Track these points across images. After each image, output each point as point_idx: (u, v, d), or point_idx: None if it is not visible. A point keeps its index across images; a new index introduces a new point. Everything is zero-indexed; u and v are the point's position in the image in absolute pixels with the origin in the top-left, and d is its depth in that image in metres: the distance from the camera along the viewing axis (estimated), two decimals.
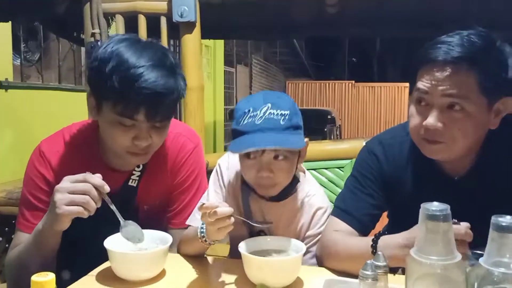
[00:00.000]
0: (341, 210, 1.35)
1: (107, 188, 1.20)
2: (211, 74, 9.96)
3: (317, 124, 7.67)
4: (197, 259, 1.36)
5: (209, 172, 1.54)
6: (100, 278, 1.22)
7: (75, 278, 1.23)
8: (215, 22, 2.80)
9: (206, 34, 2.76)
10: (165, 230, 1.37)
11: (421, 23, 2.92)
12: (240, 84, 11.85)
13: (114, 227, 1.25)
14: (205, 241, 1.22)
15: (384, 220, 1.50)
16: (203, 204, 1.10)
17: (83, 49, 4.74)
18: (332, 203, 1.42)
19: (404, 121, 1.42)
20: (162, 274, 1.25)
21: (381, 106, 12.20)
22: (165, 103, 1.25)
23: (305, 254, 1.33)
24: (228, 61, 11.12)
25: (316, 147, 2.45)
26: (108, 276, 1.22)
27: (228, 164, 1.46)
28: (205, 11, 2.54)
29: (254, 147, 1.23)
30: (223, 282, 1.22)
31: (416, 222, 0.85)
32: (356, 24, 3.22)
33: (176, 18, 2.47)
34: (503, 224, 0.75)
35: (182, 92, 1.31)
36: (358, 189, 1.36)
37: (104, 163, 1.41)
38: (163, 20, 2.57)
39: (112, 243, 1.23)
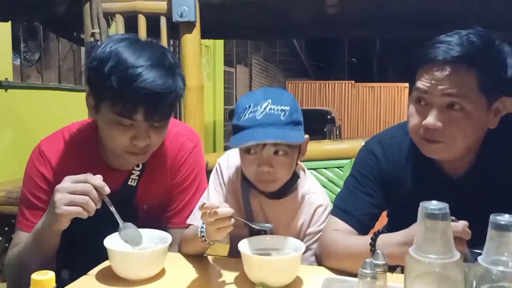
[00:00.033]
0: (340, 209, 1.35)
1: (107, 190, 1.19)
2: (210, 74, 9.96)
3: (317, 124, 7.66)
4: (196, 258, 1.36)
5: (208, 172, 1.54)
6: (99, 277, 1.22)
7: (74, 277, 1.23)
8: (215, 22, 2.81)
9: (206, 34, 2.77)
10: (164, 229, 1.37)
11: (421, 23, 2.92)
12: (240, 84, 11.85)
13: (114, 227, 1.25)
14: (205, 240, 1.22)
15: (384, 220, 1.50)
16: (204, 203, 1.11)
17: (83, 49, 4.75)
18: (332, 203, 1.42)
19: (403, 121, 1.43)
20: (161, 273, 1.25)
21: (380, 106, 12.20)
22: (163, 103, 1.25)
23: (305, 251, 1.34)
24: (228, 61, 11.12)
25: (315, 147, 2.46)
26: (107, 275, 1.22)
27: (228, 163, 1.47)
28: (204, 11, 2.54)
29: (254, 141, 1.24)
30: (223, 281, 1.22)
31: (415, 222, 0.85)
32: (356, 24, 3.22)
33: (176, 18, 2.48)
34: (502, 222, 0.75)
35: (181, 92, 1.31)
36: (357, 188, 1.36)
37: (104, 162, 1.41)
38: (163, 20, 2.57)
39: (111, 242, 1.23)
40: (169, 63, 1.28)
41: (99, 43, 2.46)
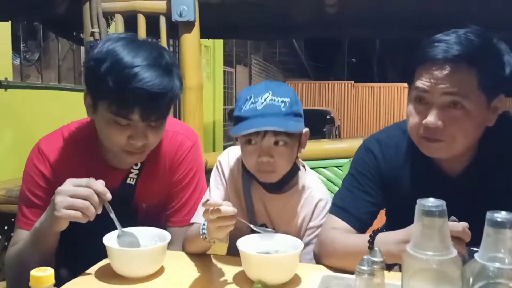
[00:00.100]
0: (338, 208, 1.36)
1: (109, 196, 1.19)
2: (210, 74, 9.96)
3: (316, 124, 7.66)
4: (195, 256, 1.36)
5: (208, 171, 1.54)
6: (98, 275, 1.23)
7: (74, 275, 1.23)
8: (214, 22, 2.81)
9: (205, 33, 2.77)
10: (163, 228, 1.37)
11: (421, 24, 2.92)
12: (239, 84, 11.85)
13: (113, 225, 1.26)
14: (205, 238, 1.22)
15: (383, 218, 1.50)
16: (207, 200, 1.11)
17: (82, 48, 4.76)
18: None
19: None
20: (160, 271, 1.25)
21: (380, 106, 12.21)
22: (160, 103, 1.25)
23: (307, 246, 1.37)
24: (227, 61, 11.12)
25: (315, 146, 2.46)
26: (106, 273, 1.23)
27: (228, 160, 1.48)
28: (204, 11, 2.55)
29: (254, 129, 1.26)
30: (221, 279, 1.22)
31: (413, 220, 0.85)
32: (356, 24, 3.22)
33: (175, 17, 2.48)
34: (498, 219, 0.76)
35: (178, 92, 1.30)
36: (355, 187, 1.37)
37: (103, 161, 1.42)
38: (162, 20, 2.58)
39: (110, 240, 1.23)
40: (166, 63, 1.28)
41: (98, 42, 2.46)
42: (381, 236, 1.20)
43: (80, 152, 1.41)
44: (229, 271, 1.25)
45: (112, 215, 1.24)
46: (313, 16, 2.91)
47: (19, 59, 5.29)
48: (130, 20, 2.59)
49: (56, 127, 1.48)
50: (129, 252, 1.22)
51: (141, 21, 2.58)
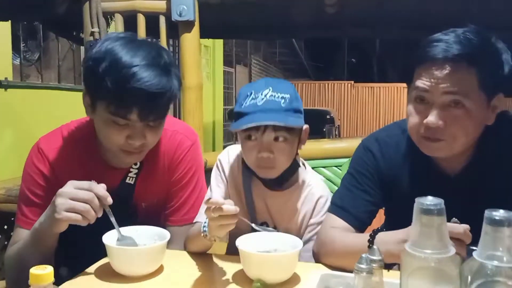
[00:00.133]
0: (337, 207, 1.36)
1: (110, 200, 1.19)
2: (210, 74, 9.97)
3: (316, 124, 7.67)
4: (194, 255, 1.37)
5: (207, 171, 1.55)
6: (98, 273, 1.23)
7: (73, 274, 1.23)
8: (214, 22, 2.81)
9: (205, 33, 2.77)
10: (163, 227, 1.37)
11: (421, 24, 2.92)
12: (239, 85, 11.86)
13: (113, 225, 1.26)
14: (206, 236, 1.22)
15: (382, 218, 1.51)
16: (210, 198, 1.12)
17: (82, 48, 4.76)
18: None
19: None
20: (160, 269, 1.25)
21: (380, 106, 12.23)
22: (158, 103, 1.25)
23: (307, 242, 1.38)
24: (227, 61, 11.14)
25: (314, 146, 2.47)
26: (106, 271, 1.23)
27: (228, 158, 1.49)
28: (204, 11, 2.55)
29: (254, 123, 1.27)
30: (221, 278, 1.22)
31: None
32: (355, 25, 3.22)
33: (175, 17, 2.48)
34: (496, 218, 0.76)
35: (176, 92, 1.30)
36: (354, 186, 1.37)
37: (102, 160, 1.42)
38: (162, 19, 2.58)
39: (110, 238, 1.23)
40: (164, 63, 1.27)
41: (97, 42, 2.46)
42: (381, 236, 1.20)
43: (79, 151, 1.41)
44: (229, 270, 1.25)
45: (112, 219, 1.23)
46: (313, 16, 2.91)
47: (19, 59, 5.30)
48: (130, 19, 2.59)
49: (56, 127, 1.48)
50: (128, 251, 1.22)
51: (141, 21, 2.58)
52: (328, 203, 1.41)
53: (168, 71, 1.28)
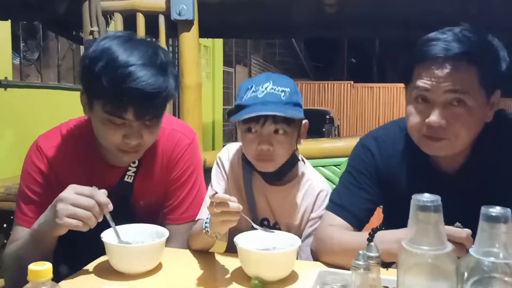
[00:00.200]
0: (336, 205, 1.36)
1: (110, 207, 1.18)
2: (210, 74, 9.96)
3: (315, 124, 7.67)
4: (193, 253, 1.37)
5: (206, 170, 1.55)
6: (97, 271, 1.23)
7: (72, 271, 1.24)
8: (213, 21, 2.81)
9: (204, 32, 2.78)
10: (161, 225, 1.37)
11: (421, 24, 2.92)
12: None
13: (113, 221, 1.26)
14: (207, 232, 1.23)
15: (381, 216, 1.51)
16: (216, 193, 1.12)
17: (82, 48, 4.76)
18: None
19: None
20: (158, 267, 1.26)
21: (379, 106, 12.23)
22: (154, 102, 1.25)
23: (308, 237, 1.40)
24: (227, 61, 11.14)
25: (313, 145, 2.47)
26: (105, 269, 1.23)
27: (228, 155, 1.50)
28: (203, 10, 2.55)
29: (254, 113, 1.28)
30: (219, 275, 1.23)
31: None
32: (355, 25, 3.22)
33: (174, 16, 2.49)
34: (493, 214, 0.76)
35: (173, 92, 1.29)
36: (352, 184, 1.37)
37: (101, 158, 1.42)
38: (161, 19, 2.58)
39: (109, 236, 1.23)
40: (161, 62, 1.27)
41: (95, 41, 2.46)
42: (380, 235, 1.20)
43: (78, 149, 1.41)
44: (227, 267, 1.26)
45: (112, 224, 1.23)
46: (313, 15, 2.91)
47: (18, 58, 5.31)
48: (129, 19, 2.60)
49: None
50: (127, 249, 1.22)
51: (140, 20, 2.59)
52: (329, 197, 1.42)
53: (165, 70, 1.27)
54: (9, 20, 4.34)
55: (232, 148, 1.51)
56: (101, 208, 1.17)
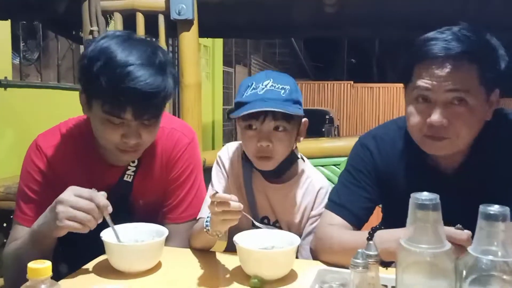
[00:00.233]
0: (335, 204, 1.36)
1: (110, 209, 1.19)
2: (209, 74, 9.96)
3: (315, 124, 7.68)
4: (193, 252, 1.37)
5: (206, 170, 1.55)
6: (96, 270, 1.23)
7: (72, 270, 1.24)
8: (213, 21, 2.81)
9: (204, 32, 2.78)
10: (161, 224, 1.37)
11: (421, 24, 2.92)
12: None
13: (112, 220, 1.26)
14: (208, 231, 1.23)
15: (380, 215, 1.51)
16: (216, 192, 1.12)
17: (82, 47, 4.76)
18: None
19: None
20: (158, 266, 1.26)
21: (379, 106, 12.23)
22: (153, 102, 1.25)
23: (309, 234, 1.41)
24: (227, 61, 11.13)
25: (312, 145, 2.47)
26: (104, 268, 1.23)
27: (228, 153, 1.51)
28: (203, 9, 2.55)
29: (254, 109, 1.29)
30: (218, 274, 1.23)
31: None
32: (355, 24, 3.23)
33: (173, 16, 2.49)
34: (491, 212, 0.76)
35: (171, 91, 1.30)
36: (351, 183, 1.37)
37: (100, 157, 1.42)
38: (161, 18, 2.58)
39: (109, 235, 1.23)
40: (160, 61, 1.27)
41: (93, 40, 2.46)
42: (379, 234, 1.20)
43: (77, 148, 1.41)
44: (226, 266, 1.26)
45: (112, 226, 1.23)
46: (313, 15, 2.91)
47: (18, 58, 5.31)
48: (129, 18, 2.60)
49: None
50: (126, 247, 1.23)
51: (140, 20, 2.59)
52: (329, 194, 1.43)
53: (163, 70, 1.27)
54: (9, 20, 4.34)
55: (232, 146, 1.52)
56: (101, 211, 1.17)
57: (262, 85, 1.32)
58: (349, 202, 1.35)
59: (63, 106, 4.95)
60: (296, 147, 1.45)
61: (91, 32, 2.55)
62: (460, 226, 1.02)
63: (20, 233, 1.35)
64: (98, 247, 1.24)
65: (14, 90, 4.86)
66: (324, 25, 3.21)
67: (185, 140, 1.49)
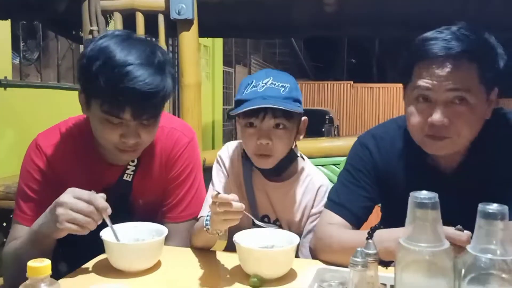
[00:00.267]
0: (334, 203, 1.37)
1: (109, 211, 1.19)
2: (209, 74, 9.96)
3: (315, 124, 7.69)
4: (192, 251, 1.37)
5: (206, 169, 1.55)
6: (96, 269, 1.24)
7: (71, 269, 1.24)
8: (213, 20, 2.81)
9: (204, 32, 2.78)
10: (160, 223, 1.37)
11: (421, 24, 2.91)
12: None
13: (112, 220, 1.26)
14: (208, 230, 1.23)
15: (379, 214, 1.51)
16: (218, 193, 1.12)
17: (82, 47, 4.77)
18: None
19: None
20: (157, 265, 1.26)
21: (379, 106, 12.23)
22: (151, 102, 1.25)
23: (310, 232, 1.41)
24: (227, 61, 11.13)
25: (312, 145, 2.47)
26: (104, 266, 1.23)
27: (228, 152, 1.51)
28: (203, 9, 2.55)
29: (254, 106, 1.30)
30: (218, 273, 1.23)
31: None
32: (355, 24, 3.22)
33: (173, 15, 2.49)
34: (490, 211, 0.77)
35: (170, 91, 1.30)
36: (351, 182, 1.38)
37: (100, 157, 1.42)
38: (161, 18, 2.58)
39: (108, 234, 1.23)
40: (159, 61, 1.27)
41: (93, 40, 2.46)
42: (379, 233, 1.20)
43: (77, 148, 1.41)
44: (226, 265, 1.26)
45: (112, 227, 1.23)
46: (313, 15, 2.91)
47: (18, 58, 5.31)
48: (128, 18, 2.60)
49: None
50: (126, 246, 1.23)
51: (140, 19, 2.58)
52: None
53: (162, 70, 1.27)
54: (9, 20, 4.34)
55: (232, 145, 1.53)
56: (100, 213, 1.17)
57: (262, 83, 1.33)
58: (348, 202, 1.35)
59: (63, 106, 4.95)
60: (295, 145, 1.45)
61: (91, 32, 2.54)
62: (460, 227, 1.02)
63: (20, 232, 1.35)
64: (98, 246, 1.24)
65: (14, 90, 4.87)
66: (324, 25, 3.21)
67: (185, 140, 1.49)
